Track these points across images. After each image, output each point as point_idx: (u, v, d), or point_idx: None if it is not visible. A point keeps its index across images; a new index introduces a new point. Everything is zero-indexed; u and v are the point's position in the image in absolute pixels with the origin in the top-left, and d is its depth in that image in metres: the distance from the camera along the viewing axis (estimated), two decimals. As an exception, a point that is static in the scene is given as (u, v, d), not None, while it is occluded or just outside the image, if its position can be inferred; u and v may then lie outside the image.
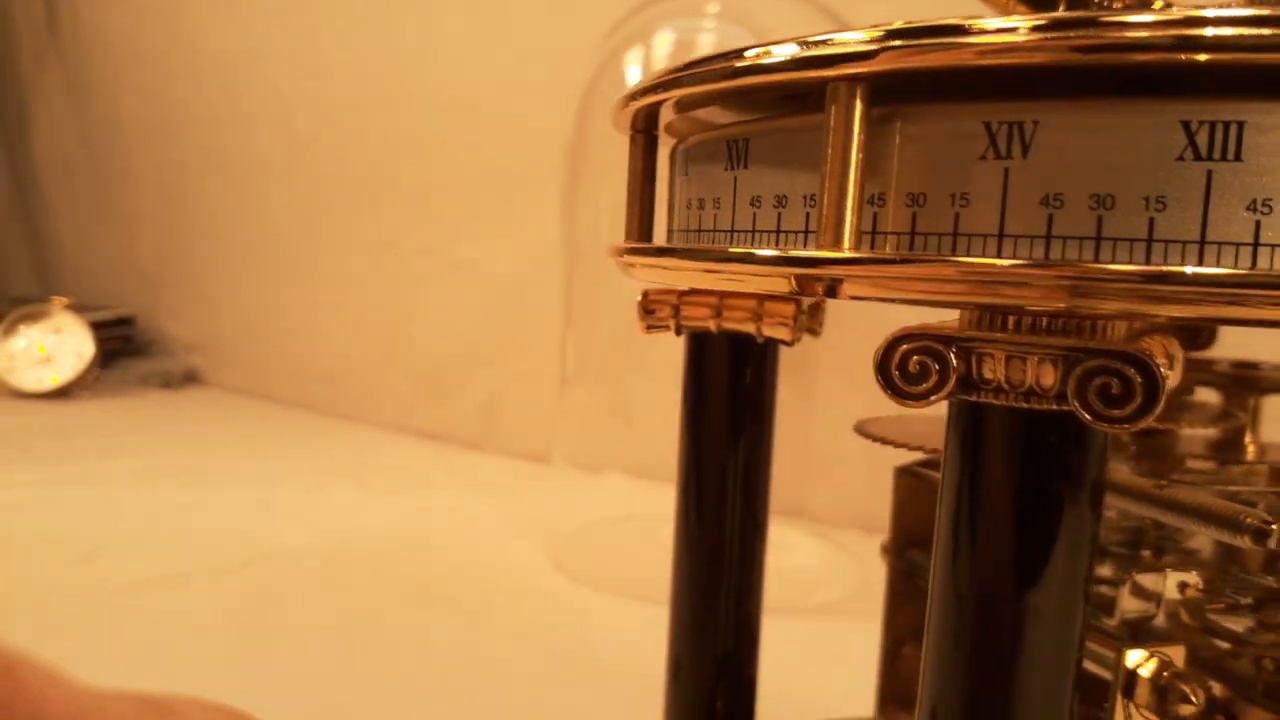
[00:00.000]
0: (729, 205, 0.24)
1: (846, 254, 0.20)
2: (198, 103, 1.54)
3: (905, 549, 0.33)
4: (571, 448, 1.12)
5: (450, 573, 0.81)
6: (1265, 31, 0.16)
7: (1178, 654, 0.23)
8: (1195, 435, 0.33)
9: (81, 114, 1.77)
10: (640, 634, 0.67)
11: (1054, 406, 0.18)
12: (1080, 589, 0.20)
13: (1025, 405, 0.19)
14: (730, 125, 0.24)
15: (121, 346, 1.59)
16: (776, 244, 0.22)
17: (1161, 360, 0.18)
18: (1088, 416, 0.18)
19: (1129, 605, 0.24)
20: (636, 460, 1.03)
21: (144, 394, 1.51)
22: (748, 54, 0.21)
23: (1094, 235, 0.18)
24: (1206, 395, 0.33)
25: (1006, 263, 0.18)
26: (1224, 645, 0.24)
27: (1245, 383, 0.31)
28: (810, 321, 0.31)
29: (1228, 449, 0.31)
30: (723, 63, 0.22)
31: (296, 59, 1.37)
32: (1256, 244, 0.17)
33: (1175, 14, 0.17)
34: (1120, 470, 0.23)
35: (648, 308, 0.31)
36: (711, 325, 0.31)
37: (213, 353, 1.61)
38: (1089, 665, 0.24)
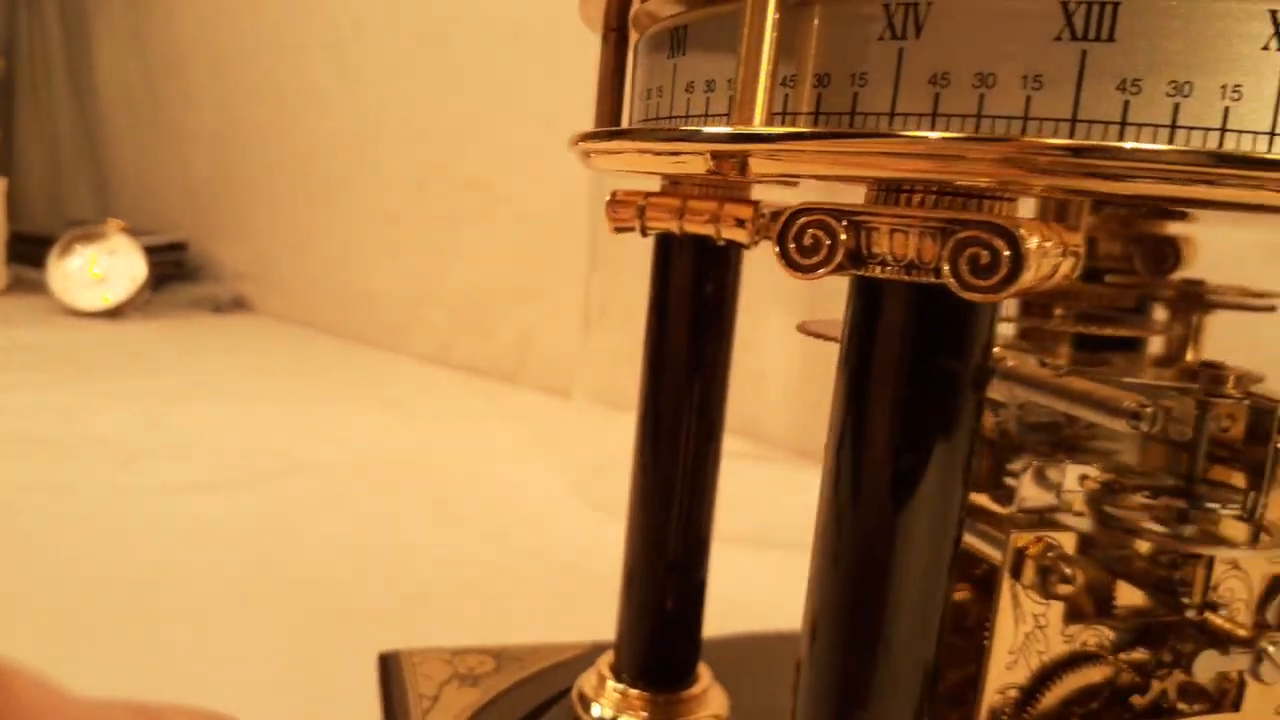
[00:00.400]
0: (669, 92, 0.25)
1: (758, 129, 0.21)
2: (253, 33, 1.56)
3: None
4: (597, 386, 1.13)
5: (472, 494, 0.83)
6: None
7: (1068, 540, 0.24)
8: (1136, 354, 0.33)
9: (143, 43, 1.81)
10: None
11: (933, 279, 0.19)
12: (960, 464, 0.21)
13: (906, 278, 0.20)
14: (677, 15, 0.25)
15: (173, 271, 1.64)
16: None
17: (1034, 236, 0.18)
18: (956, 284, 0.19)
19: (1029, 494, 0.25)
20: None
21: (193, 317, 1.55)
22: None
23: (975, 114, 0.19)
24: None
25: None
26: (1122, 537, 0.25)
27: (1191, 299, 0.31)
28: (771, 227, 0.32)
29: (1168, 364, 0.32)
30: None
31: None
32: (1124, 123, 0.18)
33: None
34: (1026, 361, 0.24)
35: (615, 209, 0.32)
36: (674, 227, 0.32)
37: (260, 280, 1.65)
38: (984, 549, 0.25)
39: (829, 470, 0.22)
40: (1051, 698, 0.25)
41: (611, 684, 0.36)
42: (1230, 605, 0.27)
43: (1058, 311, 0.29)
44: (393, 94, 1.35)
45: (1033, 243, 0.18)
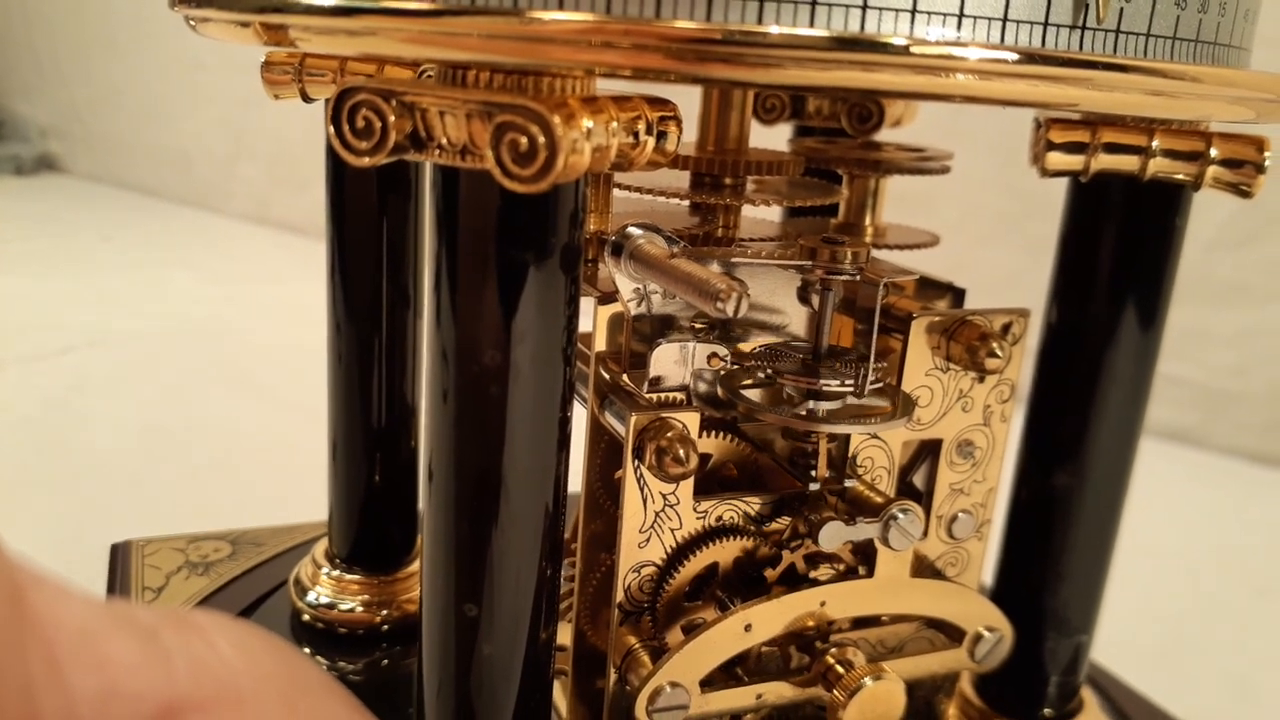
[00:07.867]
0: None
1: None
2: None
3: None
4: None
5: (278, 364, 0.80)
6: None
7: (692, 420, 0.24)
8: (818, 220, 0.33)
9: None
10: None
11: (483, 166, 0.18)
12: (557, 344, 0.21)
13: (462, 164, 0.18)
14: None
15: (-33, 129, 1.52)
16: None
17: (580, 119, 0.17)
18: (499, 172, 0.17)
19: (666, 373, 0.25)
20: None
21: (-9, 180, 1.45)
22: None
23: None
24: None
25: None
26: (749, 414, 0.25)
27: (868, 164, 0.30)
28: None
29: (847, 230, 0.31)
30: None
31: None
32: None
33: None
34: (655, 241, 0.23)
35: (270, 72, 0.30)
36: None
37: (68, 137, 1.54)
38: (618, 430, 0.24)
39: (430, 356, 0.21)
40: (688, 572, 0.25)
41: (326, 571, 0.36)
42: (872, 473, 0.27)
43: (727, 182, 0.28)
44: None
45: (570, 129, 0.17)
